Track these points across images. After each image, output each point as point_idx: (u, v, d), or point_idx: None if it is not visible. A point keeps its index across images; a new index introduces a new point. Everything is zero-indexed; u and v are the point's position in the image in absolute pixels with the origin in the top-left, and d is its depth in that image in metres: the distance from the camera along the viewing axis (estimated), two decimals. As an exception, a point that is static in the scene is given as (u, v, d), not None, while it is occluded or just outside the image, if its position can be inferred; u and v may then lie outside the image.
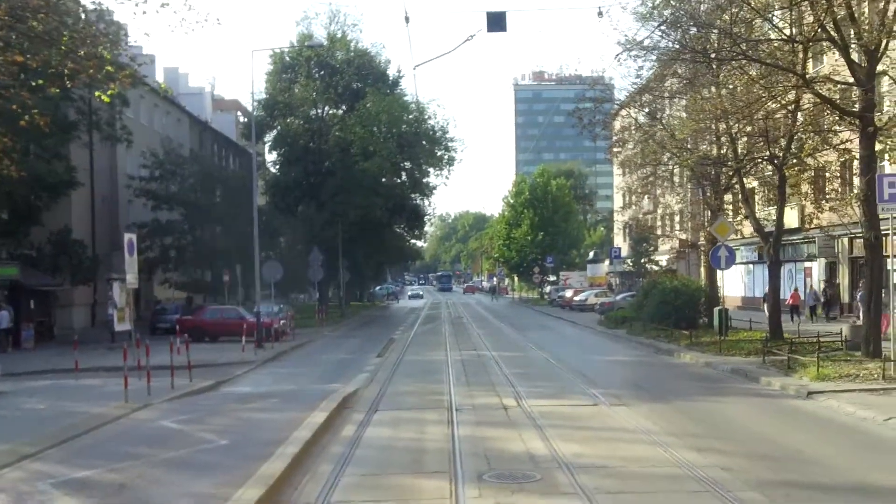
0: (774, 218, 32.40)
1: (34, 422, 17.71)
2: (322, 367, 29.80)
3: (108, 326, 36.11)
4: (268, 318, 38.73)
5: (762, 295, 44.99)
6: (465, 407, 19.02)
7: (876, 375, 20.77)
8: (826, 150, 29.64)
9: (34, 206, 39.20)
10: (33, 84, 18.50)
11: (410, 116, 67.67)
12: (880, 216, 22.83)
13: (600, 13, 27.97)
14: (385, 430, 16.56)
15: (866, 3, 26.53)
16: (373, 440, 15.56)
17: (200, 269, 55.46)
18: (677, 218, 63.05)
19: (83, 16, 20.56)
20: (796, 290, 46.72)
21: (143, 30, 50.67)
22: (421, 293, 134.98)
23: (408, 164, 70.01)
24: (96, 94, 19.91)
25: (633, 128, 40.51)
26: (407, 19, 33.78)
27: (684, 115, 34.34)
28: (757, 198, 40.83)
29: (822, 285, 46.98)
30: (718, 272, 35.58)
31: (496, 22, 30.53)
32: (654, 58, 31.08)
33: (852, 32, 23.04)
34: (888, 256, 23.47)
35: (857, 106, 24.66)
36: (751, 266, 56.45)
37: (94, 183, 49.30)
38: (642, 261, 61.37)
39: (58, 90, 20.08)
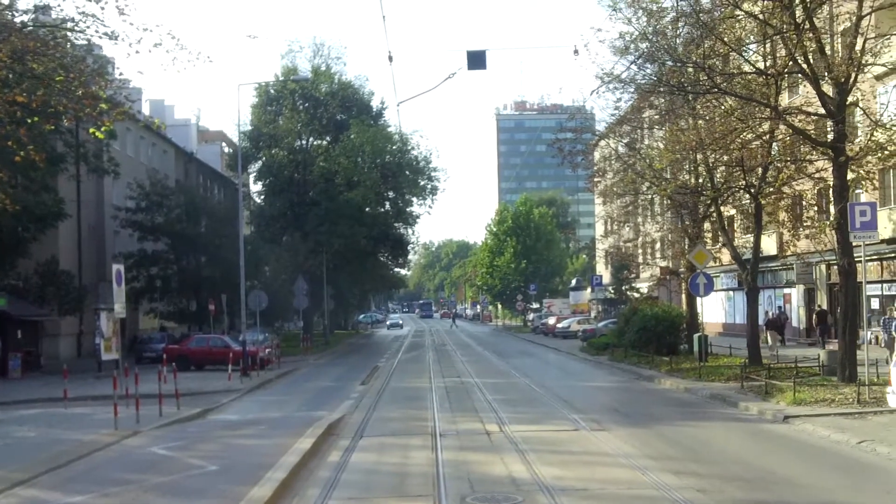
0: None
1: (25, 449, 17.94)
2: (308, 395, 30.04)
3: (95, 356, 36.26)
4: (253, 347, 38.96)
5: (763, 322, 45.64)
6: (449, 432, 19.38)
7: (851, 400, 21.22)
8: (801, 178, 30.22)
9: (21, 237, 39.42)
10: (29, 121, 18.87)
11: (394, 147, 68.17)
12: (852, 244, 23.44)
13: (576, 52, 28.46)
14: (370, 455, 16.90)
15: (837, 38, 27.30)
16: (358, 465, 15.90)
17: (186, 299, 55.63)
18: (657, 246, 63.66)
19: (70, 47, 21.04)
20: None
21: (136, 68, 51.32)
22: (400, 322, 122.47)
23: (391, 194, 70.39)
24: (91, 130, 20.30)
25: (612, 158, 41.07)
26: (391, 58, 34.48)
27: (662, 145, 34.93)
28: (735, 226, 41.45)
29: (778, 311, 47.99)
30: (698, 299, 36.07)
31: (476, 60, 30.96)
32: (632, 90, 31.64)
33: (823, 66, 23.67)
34: (861, 282, 24.02)
35: (829, 136, 25.27)
36: (731, 293, 57.07)
37: (81, 214, 49.47)
38: (623, 288, 61.90)
39: (53, 127, 20.46)
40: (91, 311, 45.58)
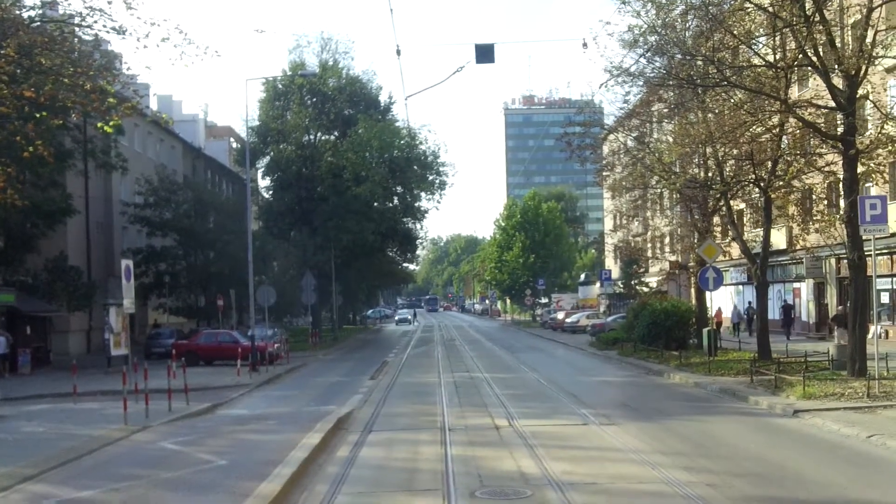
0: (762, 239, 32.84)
1: (34, 444, 17.92)
2: (316, 390, 30.04)
3: (105, 351, 36.32)
4: (262, 342, 38.94)
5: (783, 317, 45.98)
6: (458, 427, 19.34)
7: (861, 394, 21.10)
8: (811, 172, 30.08)
9: (30, 234, 39.55)
10: (37, 116, 18.85)
11: (402, 142, 68.04)
12: (863, 237, 23.32)
13: (584, 45, 28.35)
14: (379, 451, 16.88)
15: (847, 30, 27.12)
16: (367, 460, 15.89)
17: (194, 294, 55.71)
18: (666, 240, 63.51)
19: (77, 42, 21.01)
20: (720, 309, 48.05)
21: (143, 63, 51.21)
22: (409, 317, 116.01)
23: (399, 189, 70.27)
24: (98, 125, 20.31)
25: (621, 152, 40.87)
26: (398, 52, 34.54)
27: (671, 139, 34.79)
28: (745, 220, 41.28)
29: (746, 305, 48.26)
30: (707, 293, 35.92)
31: (484, 54, 30.96)
32: (640, 83, 31.46)
33: (833, 58, 23.53)
34: (871, 276, 23.89)
35: (840, 130, 25.13)
36: (740, 287, 56.87)
37: (90, 210, 49.64)
38: (632, 283, 61.72)
39: (61, 122, 20.45)
40: (100, 306, 45.65)
